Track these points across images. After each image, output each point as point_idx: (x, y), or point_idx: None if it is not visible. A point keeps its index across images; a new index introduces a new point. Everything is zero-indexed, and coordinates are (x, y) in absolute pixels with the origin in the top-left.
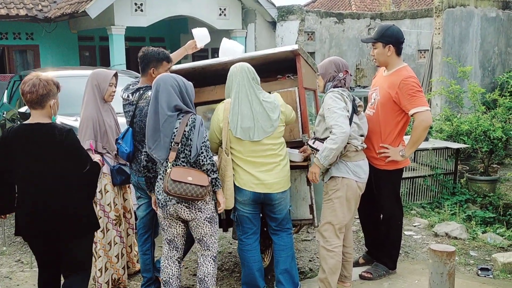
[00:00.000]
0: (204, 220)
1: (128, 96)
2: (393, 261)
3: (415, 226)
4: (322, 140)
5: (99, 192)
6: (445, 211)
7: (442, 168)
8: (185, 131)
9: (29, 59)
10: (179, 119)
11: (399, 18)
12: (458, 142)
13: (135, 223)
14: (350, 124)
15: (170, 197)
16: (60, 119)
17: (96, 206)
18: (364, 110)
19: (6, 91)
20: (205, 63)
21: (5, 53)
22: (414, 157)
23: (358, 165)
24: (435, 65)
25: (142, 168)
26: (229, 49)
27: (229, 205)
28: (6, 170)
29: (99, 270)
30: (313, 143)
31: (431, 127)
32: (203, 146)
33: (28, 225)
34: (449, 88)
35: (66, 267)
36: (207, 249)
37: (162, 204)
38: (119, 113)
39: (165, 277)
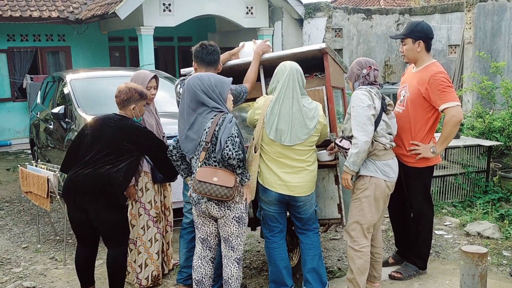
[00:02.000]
0: (232, 218)
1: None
2: (424, 261)
3: (446, 225)
4: (349, 138)
5: (140, 190)
6: (477, 210)
7: (474, 166)
8: (215, 130)
9: (61, 60)
10: (212, 118)
11: (428, 13)
12: (490, 140)
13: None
14: (379, 122)
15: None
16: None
17: (136, 203)
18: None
19: (39, 92)
20: (233, 62)
21: (38, 55)
22: (445, 155)
23: (387, 164)
24: (466, 60)
25: (169, 153)
26: (252, 50)
27: (250, 198)
28: None
29: (139, 266)
30: (340, 142)
31: (462, 124)
32: (228, 140)
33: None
34: (481, 84)
35: (103, 238)
36: (231, 249)
37: (195, 201)
38: (162, 112)
39: (198, 276)
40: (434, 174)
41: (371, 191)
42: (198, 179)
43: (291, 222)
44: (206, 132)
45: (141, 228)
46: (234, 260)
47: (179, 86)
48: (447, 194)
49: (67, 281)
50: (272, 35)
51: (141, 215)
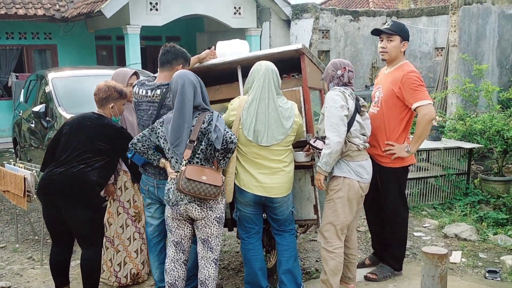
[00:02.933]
0: (213, 219)
1: (146, 93)
2: (399, 262)
3: (425, 227)
4: (323, 139)
5: (118, 189)
6: (456, 212)
7: (454, 168)
8: (201, 128)
9: (48, 58)
10: (196, 117)
11: (415, 16)
12: (471, 142)
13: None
14: (352, 123)
15: (183, 196)
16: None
17: (115, 202)
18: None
19: (22, 90)
20: (211, 62)
21: (24, 53)
22: (427, 157)
23: (360, 165)
24: (451, 63)
25: (131, 146)
26: (230, 50)
27: (228, 199)
28: None
29: (118, 264)
30: (314, 142)
31: (443, 127)
32: (225, 128)
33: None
34: (464, 86)
35: (77, 238)
36: (209, 250)
37: (172, 203)
38: None
39: (171, 280)
40: (415, 176)
41: (344, 192)
42: (188, 177)
43: (268, 223)
44: (191, 131)
45: (120, 226)
46: (212, 260)
47: (136, 87)
48: (428, 196)
49: (43, 281)
50: (260, 36)
51: (119, 213)
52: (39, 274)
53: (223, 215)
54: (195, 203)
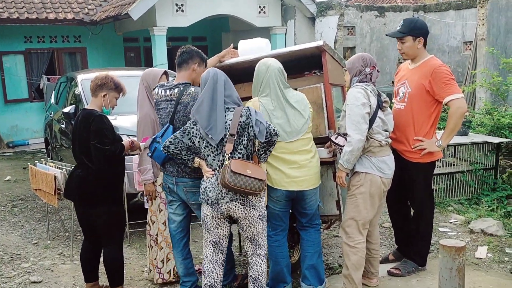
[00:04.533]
0: (257, 218)
1: (164, 92)
2: (423, 257)
3: (451, 222)
4: (344, 135)
5: (159, 185)
6: (482, 207)
7: (481, 163)
8: (240, 121)
9: (78, 61)
10: (231, 110)
11: (443, 10)
12: (499, 137)
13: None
14: (374, 119)
15: (224, 193)
16: None
17: (156, 200)
18: (391, 107)
19: (53, 92)
20: (233, 61)
21: (55, 56)
22: (454, 152)
23: (382, 161)
24: (479, 57)
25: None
26: (252, 48)
27: None
28: None
29: (161, 261)
30: (336, 139)
31: (470, 121)
32: (270, 125)
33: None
34: (491, 80)
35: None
36: (259, 247)
37: (212, 201)
38: None
39: (210, 282)
40: (441, 172)
41: (366, 188)
42: (234, 170)
43: (292, 219)
44: (229, 125)
45: (162, 223)
46: (263, 256)
47: (156, 88)
48: (454, 191)
49: (72, 276)
50: (285, 34)
51: (161, 210)
52: (69, 269)
53: (265, 212)
54: (238, 202)
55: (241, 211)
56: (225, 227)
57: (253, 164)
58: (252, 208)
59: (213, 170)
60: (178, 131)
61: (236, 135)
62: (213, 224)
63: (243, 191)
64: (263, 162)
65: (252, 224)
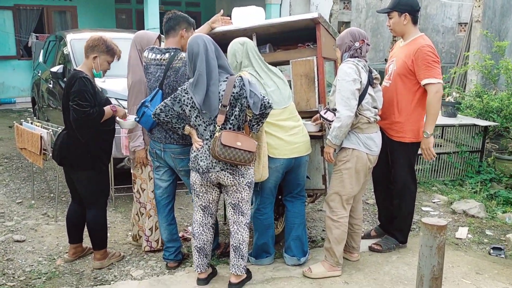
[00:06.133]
0: (245, 185)
1: (155, 56)
2: (404, 235)
3: (434, 202)
4: (334, 110)
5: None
6: (466, 189)
7: (468, 146)
8: (233, 92)
9: (68, 20)
10: (224, 80)
11: None
12: (487, 120)
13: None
14: (364, 95)
15: (215, 163)
16: None
17: (146, 167)
18: (381, 83)
19: (42, 50)
20: (226, 28)
21: (45, 13)
22: (442, 134)
23: (370, 138)
24: (473, 39)
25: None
26: (246, 17)
27: (265, 175)
28: None
29: (149, 229)
30: (325, 114)
31: (460, 103)
32: (265, 97)
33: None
34: (484, 63)
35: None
36: (241, 215)
37: (203, 170)
38: None
39: (200, 244)
40: None
41: (352, 163)
42: (223, 143)
43: (278, 191)
44: (221, 95)
45: (152, 191)
46: (244, 225)
47: (146, 51)
48: (440, 172)
49: (56, 237)
50: (280, 4)
51: (151, 178)
52: (53, 230)
53: (253, 179)
54: (227, 171)
55: (230, 179)
56: (214, 192)
57: (244, 135)
58: (241, 176)
59: (204, 140)
60: (169, 98)
61: (228, 106)
62: (202, 190)
63: (233, 162)
64: (255, 133)
65: (239, 190)
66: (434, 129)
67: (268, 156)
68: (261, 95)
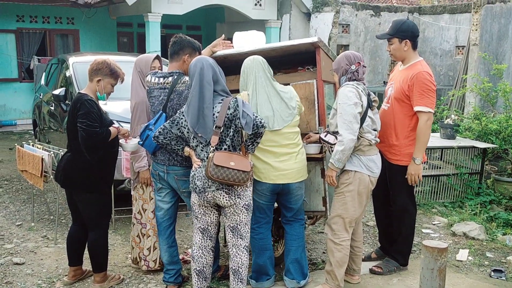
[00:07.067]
0: (242, 207)
1: (158, 80)
2: (405, 257)
3: (434, 224)
4: (334, 133)
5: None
6: (466, 211)
7: (467, 168)
8: (227, 114)
9: (70, 43)
10: (219, 102)
11: (438, 13)
12: (486, 142)
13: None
14: (365, 118)
15: (210, 183)
16: None
17: (148, 188)
18: (380, 106)
19: (44, 73)
20: (227, 52)
21: (47, 37)
22: (441, 156)
23: (371, 160)
24: (470, 62)
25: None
26: (248, 41)
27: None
28: None
29: (147, 249)
30: (325, 136)
31: (458, 125)
32: (254, 113)
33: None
34: (482, 85)
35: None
36: (240, 238)
37: (200, 190)
38: None
39: (199, 267)
40: (427, 174)
41: (355, 186)
42: (216, 164)
43: (277, 212)
44: (216, 117)
45: (151, 212)
46: (243, 248)
47: (149, 75)
48: (439, 194)
49: (55, 259)
50: (280, 28)
51: (152, 198)
52: (53, 253)
53: (251, 202)
54: (223, 190)
55: (226, 199)
56: (213, 214)
57: (238, 155)
58: (238, 197)
59: (201, 161)
60: (168, 121)
61: (223, 127)
62: (201, 211)
63: (227, 183)
64: (251, 153)
65: (236, 213)
66: (433, 151)
67: (254, 179)
68: (253, 114)
